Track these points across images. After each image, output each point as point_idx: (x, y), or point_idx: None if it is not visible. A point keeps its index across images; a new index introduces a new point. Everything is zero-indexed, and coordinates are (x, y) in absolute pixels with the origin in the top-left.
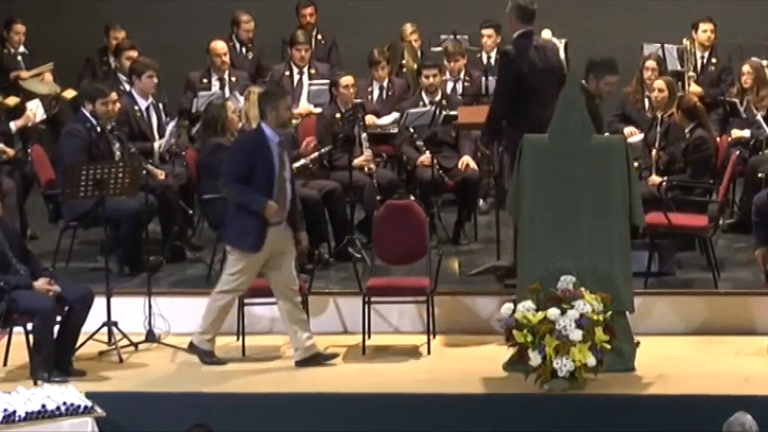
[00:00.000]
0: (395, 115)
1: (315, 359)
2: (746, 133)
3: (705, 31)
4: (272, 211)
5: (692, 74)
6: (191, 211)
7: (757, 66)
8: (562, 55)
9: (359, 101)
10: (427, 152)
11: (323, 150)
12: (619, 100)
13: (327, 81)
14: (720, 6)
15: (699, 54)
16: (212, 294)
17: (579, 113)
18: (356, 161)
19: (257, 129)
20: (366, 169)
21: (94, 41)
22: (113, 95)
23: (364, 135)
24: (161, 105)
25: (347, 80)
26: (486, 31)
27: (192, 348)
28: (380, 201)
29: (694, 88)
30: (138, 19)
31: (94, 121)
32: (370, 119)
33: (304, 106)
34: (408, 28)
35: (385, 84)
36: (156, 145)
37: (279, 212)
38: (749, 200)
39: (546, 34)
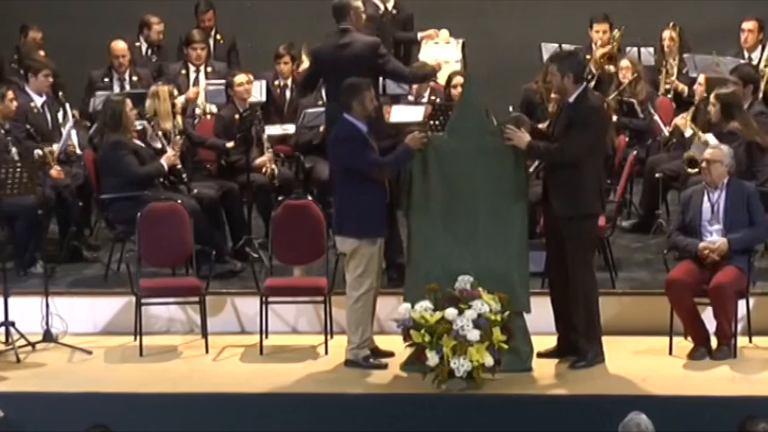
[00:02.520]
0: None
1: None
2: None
3: (598, 32)
4: (417, 137)
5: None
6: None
7: (635, 61)
8: (459, 55)
9: (256, 100)
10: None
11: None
12: (521, 97)
13: (224, 81)
14: (618, 6)
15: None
16: (350, 304)
17: (477, 113)
18: (257, 161)
19: (343, 122)
20: (266, 170)
21: (6, 40)
22: (9, 94)
23: (266, 135)
24: (66, 104)
25: (240, 78)
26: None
27: (351, 364)
28: (277, 200)
29: None
30: (41, 18)
31: None
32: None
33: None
34: None
35: (289, 82)
36: (55, 145)
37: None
38: (648, 200)
39: (443, 34)
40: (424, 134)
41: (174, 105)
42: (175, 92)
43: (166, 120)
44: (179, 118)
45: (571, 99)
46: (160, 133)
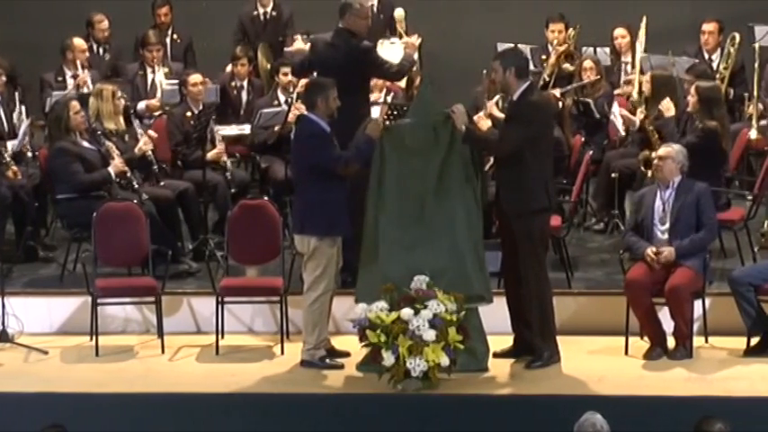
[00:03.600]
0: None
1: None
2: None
3: (554, 32)
4: (377, 124)
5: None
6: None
7: (597, 60)
8: (416, 56)
9: (211, 100)
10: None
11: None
12: (471, 99)
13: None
14: (574, 7)
15: (554, 54)
16: (307, 305)
17: (432, 112)
18: (209, 154)
19: (305, 120)
20: (220, 162)
21: None
22: None
23: (217, 128)
24: (19, 103)
25: (195, 78)
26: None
27: (307, 364)
28: (233, 198)
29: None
30: None
31: None
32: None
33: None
34: None
35: (245, 83)
36: (9, 145)
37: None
38: (604, 199)
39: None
40: (379, 120)
41: (117, 105)
42: (119, 92)
43: (109, 120)
44: (121, 119)
45: (515, 96)
46: (108, 143)
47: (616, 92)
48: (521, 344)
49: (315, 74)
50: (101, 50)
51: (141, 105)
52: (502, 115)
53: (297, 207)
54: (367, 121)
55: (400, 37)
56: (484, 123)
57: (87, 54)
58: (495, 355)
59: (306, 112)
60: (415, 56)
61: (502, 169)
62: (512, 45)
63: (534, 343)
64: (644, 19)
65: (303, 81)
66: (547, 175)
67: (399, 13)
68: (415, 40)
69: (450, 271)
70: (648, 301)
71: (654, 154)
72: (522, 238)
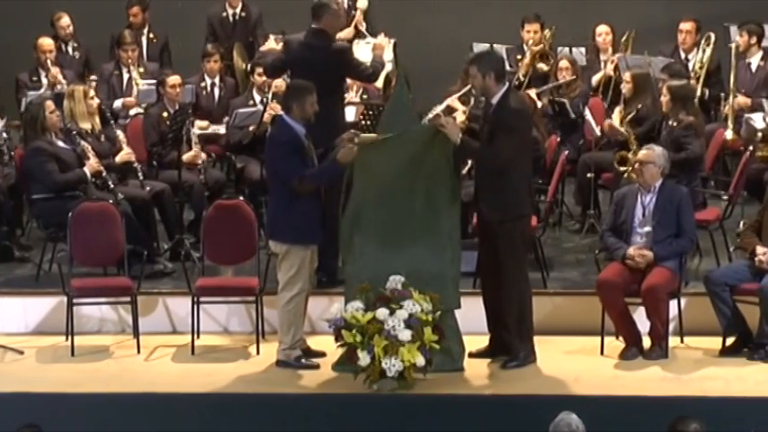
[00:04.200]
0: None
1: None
2: None
3: (529, 32)
4: (349, 152)
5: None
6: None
7: (573, 60)
8: (391, 55)
9: (188, 101)
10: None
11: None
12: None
13: (156, 81)
14: (549, 6)
15: (529, 54)
16: (282, 305)
17: (408, 112)
18: (185, 156)
19: (280, 123)
20: (197, 165)
21: None
22: None
23: (194, 130)
24: None
25: (174, 80)
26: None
27: (282, 364)
28: (209, 198)
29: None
30: None
31: None
32: (202, 125)
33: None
34: None
35: (217, 80)
36: None
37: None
38: (583, 201)
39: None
40: (354, 146)
41: (90, 105)
42: (91, 92)
43: (83, 120)
44: (96, 118)
45: (494, 100)
46: (83, 143)
47: (595, 78)
48: (496, 344)
49: (288, 74)
50: (69, 49)
51: (117, 104)
52: (463, 107)
53: (269, 209)
54: (341, 144)
55: (357, 31)
56: (458, 117)
57: (54, 53)
58: (471, 355)
59: (281, 113)
60: (386, 57)
61: (484, 176)
62: (487, 46)
63: (512, 343)
64: (633, 32)
65: (278, 81)
66: (528, 177)
67: (363, 3)
68: (382, 40)
69: (428, 276)
70: (621, 301)
71: (631, 155)
72: (504, 242)
